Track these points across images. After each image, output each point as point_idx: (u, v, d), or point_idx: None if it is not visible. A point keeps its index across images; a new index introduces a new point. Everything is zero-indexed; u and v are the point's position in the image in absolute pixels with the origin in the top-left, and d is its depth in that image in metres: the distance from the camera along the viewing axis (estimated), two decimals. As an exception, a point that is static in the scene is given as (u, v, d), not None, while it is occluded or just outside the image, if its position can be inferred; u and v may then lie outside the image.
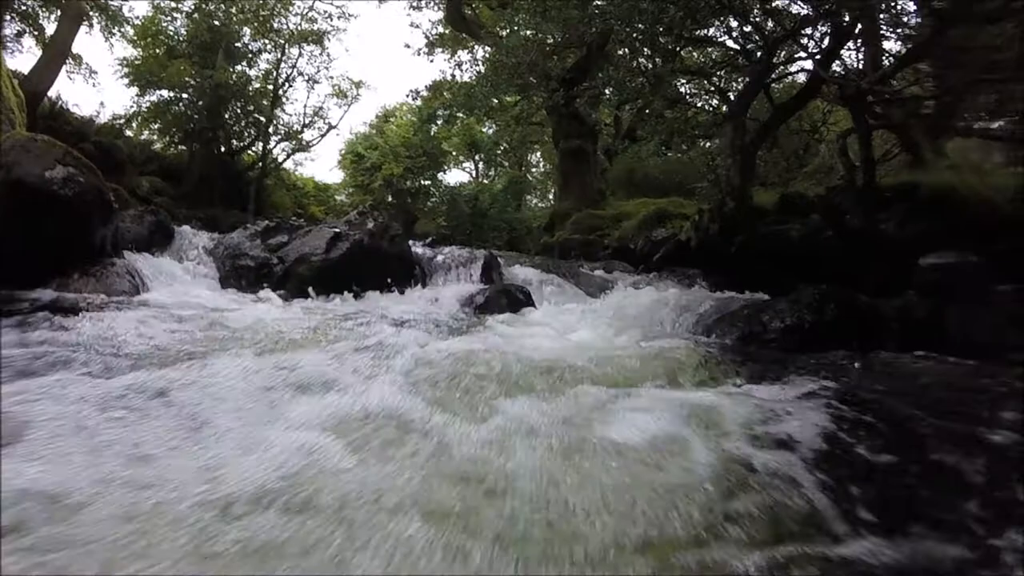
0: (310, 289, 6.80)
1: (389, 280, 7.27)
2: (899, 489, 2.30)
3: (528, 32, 15.01)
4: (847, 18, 8.81)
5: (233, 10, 21.01)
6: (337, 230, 7.30)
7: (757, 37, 9.73)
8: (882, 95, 8.75)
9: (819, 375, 3.59)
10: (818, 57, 9.23)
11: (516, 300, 6.59)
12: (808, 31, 9.90)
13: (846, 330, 4.66)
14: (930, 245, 6.26)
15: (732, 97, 11.11)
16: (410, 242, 8.83)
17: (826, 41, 9.54)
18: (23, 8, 17.71)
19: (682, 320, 5.49)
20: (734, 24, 10.42)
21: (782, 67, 11.57)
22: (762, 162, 12.66)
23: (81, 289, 5.85)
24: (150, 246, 8.37)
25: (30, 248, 5.75)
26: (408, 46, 20.73)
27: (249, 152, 23.19)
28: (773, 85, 11.72)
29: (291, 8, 22.13)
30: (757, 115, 11.28)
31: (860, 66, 9.99)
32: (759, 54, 9.73)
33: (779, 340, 4.62)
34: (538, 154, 33.24)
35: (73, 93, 42.44)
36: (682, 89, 14.91)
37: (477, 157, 33.71)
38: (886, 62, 9.51)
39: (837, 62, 9.69)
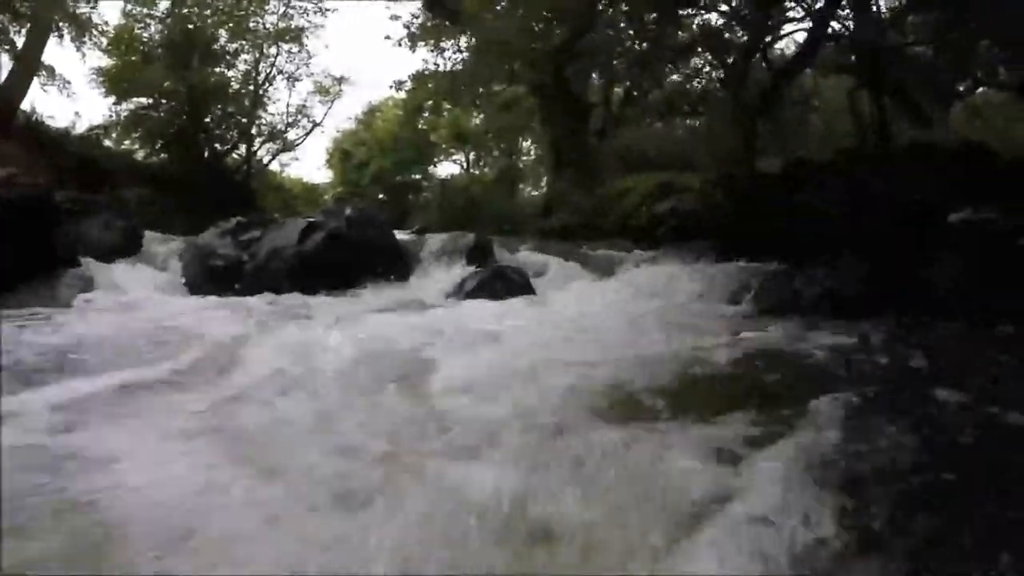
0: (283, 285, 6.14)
1: (376, 271, 6.64)
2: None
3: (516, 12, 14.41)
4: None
5: (207, 12, 20.34)
6: (312, 220, 6.68)
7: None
8: (891, 49, 8.18)
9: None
10: (817, 10, 8.66)
11: (512, 284, 5.94)
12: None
13: (885, 297, 4.07)
14: (954, 204, 5.68)
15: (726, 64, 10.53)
16: (396, 231, 8.24)
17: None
18: (-7, 24, 17.13)
19: (702, 292, 4.88)
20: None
21: (778, 30, 11.03)
22: (761, 130, 12.14)
23: (22, 303, 5.21)
24: (118, 253, 7.85)
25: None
26: (388, 37, 19.93)
27: (234, 155, 22.55)
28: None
29: (266, 7, 21.41)
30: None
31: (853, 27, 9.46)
32: (752, 14, 9.14)
33: (814, 307, 4.03)
34: (529, 141, 32.58)
35: (48, 105, 41.76)
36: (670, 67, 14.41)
37: (467, 148, 33.05)
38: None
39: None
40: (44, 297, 5.36)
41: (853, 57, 8.40)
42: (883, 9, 9.04)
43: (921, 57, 8.82)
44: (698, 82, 15.46)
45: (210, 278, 6.79)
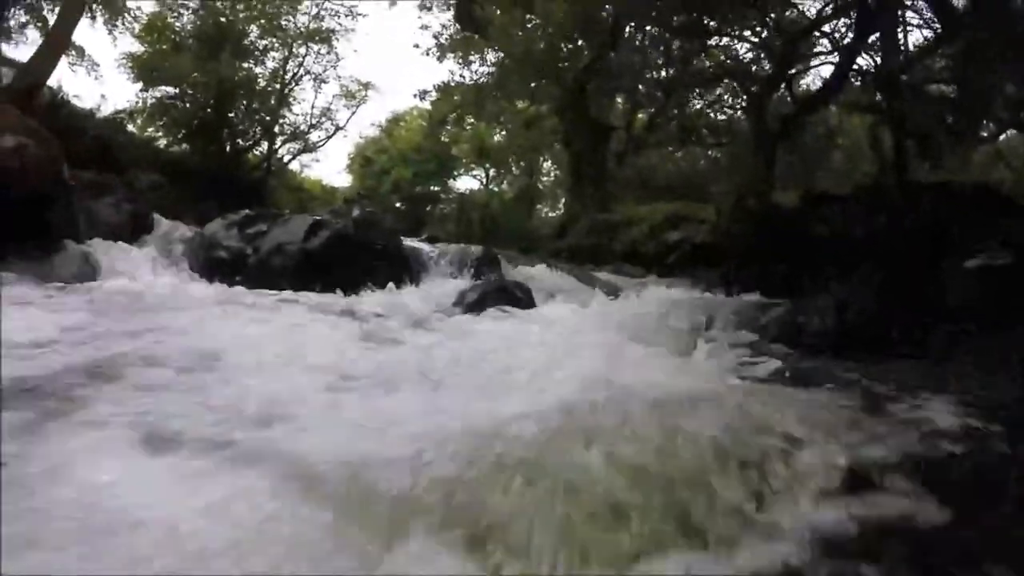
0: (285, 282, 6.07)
1: (378, 276, 6.55)
2: None
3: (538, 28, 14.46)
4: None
5: (240, 7, 20.48)
6: (319, 218, 6.61)
7: (776, 32, 9.15)
8: (913, 86, 8.10)
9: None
10: (845, 45, 8.60)
11: (513, 298, 5.83)
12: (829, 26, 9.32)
13: (896, 332, 3.93)
14: (972, 245, 5.56)
15: (751, 93, 10.45)
16: (408, 239, 8.18)
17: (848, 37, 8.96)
18: (27, 1, 17.38)
19: (702, 321, 4.76)
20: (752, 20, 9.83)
21: (805, 62, 10.98)
22: (781, 163, 12.08)
23: (23, 271, 5.18)
24: (127, 235, 7.82)
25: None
26: (417, 46, 20.04)
27: (255, 152, 22.61)
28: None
29: (299, 7, 21.55)
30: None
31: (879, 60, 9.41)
32: (779, 45, 9.09)
33: (818, 342, 3.89)
34: (549, 162, 32.60)
35: (75, 85, 41.99)
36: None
37: (488, 164, 33.09)
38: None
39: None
40: (40, 271, 5.31)
41: (877, 95, 8.32)
42: (910, 47, 8.99)
43: (943, 97, 8.78)
44: (721, 111, 15.43)
45: (213, 268, 6.73)
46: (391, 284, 6.55)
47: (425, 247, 8.00)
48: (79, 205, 7.82)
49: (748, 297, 6.23)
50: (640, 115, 18.56)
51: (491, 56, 19.29)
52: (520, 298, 5.89)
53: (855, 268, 5.29)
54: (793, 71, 9.88)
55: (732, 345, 4.07)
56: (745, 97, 10.99)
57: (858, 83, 9.12)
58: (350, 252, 6.49)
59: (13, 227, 5.43)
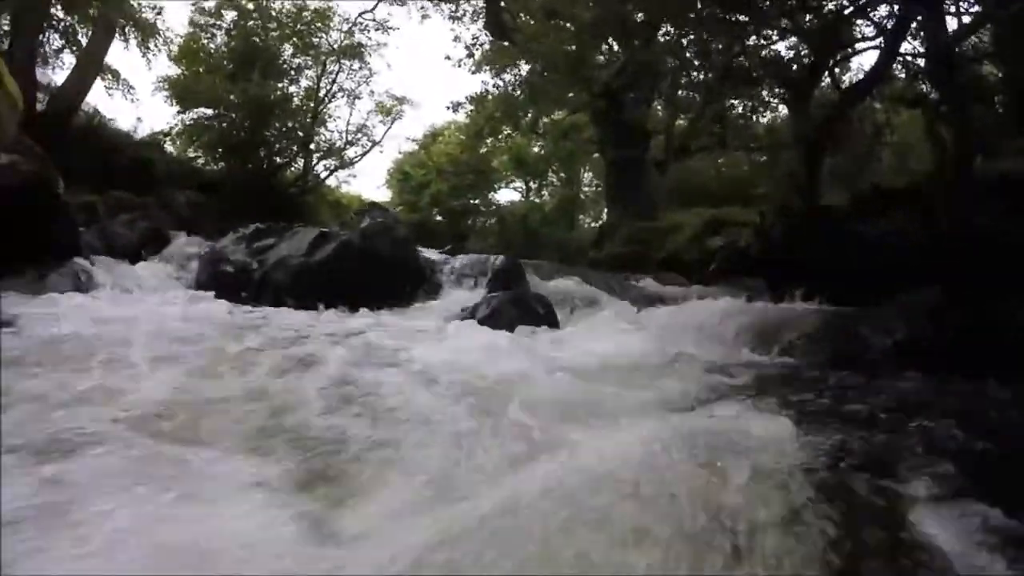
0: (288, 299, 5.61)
1: (387, 289, 6.08)
2: None
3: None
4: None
5: (272, 26, 20.60)
6: (325, 230, 6.18)
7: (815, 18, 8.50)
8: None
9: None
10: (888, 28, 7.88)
11: (531, 312, 5.25)
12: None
13: (979, 349, 3.24)
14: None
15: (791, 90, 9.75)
16: (421, 248, 7.71)
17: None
18: (63, 25, 17.64)
19: (745, 336, 4.12)
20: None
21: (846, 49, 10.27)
22: (827, 164, 11.35)
23: (20, 289, 4.88)
24: (139, 251, 7.74)
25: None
26: (448, 58, 19.82)
27: (291, 168, 22.66)
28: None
29: (330, 24, 21.58)
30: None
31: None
32: (819, 31, 8.41)
33: (886, 361, 3.23)
34: (590, 173, 32.10)
35: (112, 108, 43.12)
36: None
37: (527, 176, 32.75)
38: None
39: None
40: (36, 288, 5.02)
41: (924, 86, 7.62)
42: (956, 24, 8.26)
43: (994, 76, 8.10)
44: (763, 113, 14.75)
45: (219, 283, 6.34)
46: (405, 297, 6.12)
47: (444, 257, 7.50)
48: (102, 224, 7.82)
49: (796, 305, 5.58)
50: (680, 120, 17.94)
51: (524, 66, 18.92)
52: (540, 313, 5.31)
53: (918, 273, 4.58)
54: (834, 60, 9.19)
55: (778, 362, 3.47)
56: (785, 95, 10.29)
57: (903, 75, 8.52)
58: (356, 265, 6.03)
59: (8, 245, 5.17)
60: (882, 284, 4.45)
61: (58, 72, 18.09)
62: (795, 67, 10.40)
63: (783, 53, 11.24)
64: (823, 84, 10.45)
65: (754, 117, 14.96)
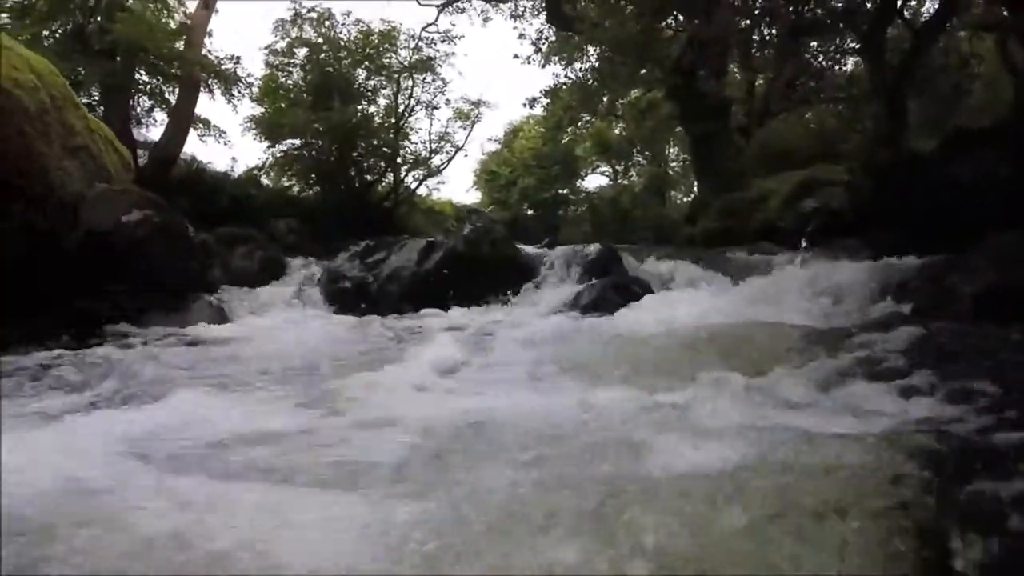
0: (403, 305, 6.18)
1: (493, 288, 6.53)
2: None
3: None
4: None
5: (343, 55, 21.51)
6: (432, 240, 6.70)
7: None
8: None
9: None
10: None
11: (632, 296, 5.57)
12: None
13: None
14: None
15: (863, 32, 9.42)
16: (524, 245, 8.12)
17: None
18: (149, 87, 19.14)
19: (835, 297, 4.28)
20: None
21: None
22: (913, 107, 10.81)
23: (159, 323, 5.62)
24: (259, 279, 8.44)
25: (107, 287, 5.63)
26: (517, 56, 20.14)
27: (382, 184, 23.54)
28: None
29: (396, 43, 22.31)
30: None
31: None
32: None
33: (973, 310, 3.33)
34: (676, 148, 31.65)
35: (207, 153, 45.86)
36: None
37: (612, 159, 32.65)
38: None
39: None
40: (178, 320, 5.75)
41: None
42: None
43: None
44: (841, 62, 14.31)
45: (340, 299, 6.98)
46: (510, 293, 6.56)
47: (543, 251, 7.88)
48: (215, 258, 8.60)
49: (895, 260, 5.58)
50: (759, 82, 17.58)
51: (592, 52, 19.00)
52: (639, 294, 5.62)
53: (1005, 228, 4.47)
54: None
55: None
56: (859, 38, 9.91)
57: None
58: (467, 269, 6.52)
59: (152, 285, 5.93)
60: (972, 229, 4.39)
61: (152, 129, 19.72)
62: (861, 11, 10.06)
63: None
64: (896, 25, 10.01)
65: (834, 67, 14.48)
